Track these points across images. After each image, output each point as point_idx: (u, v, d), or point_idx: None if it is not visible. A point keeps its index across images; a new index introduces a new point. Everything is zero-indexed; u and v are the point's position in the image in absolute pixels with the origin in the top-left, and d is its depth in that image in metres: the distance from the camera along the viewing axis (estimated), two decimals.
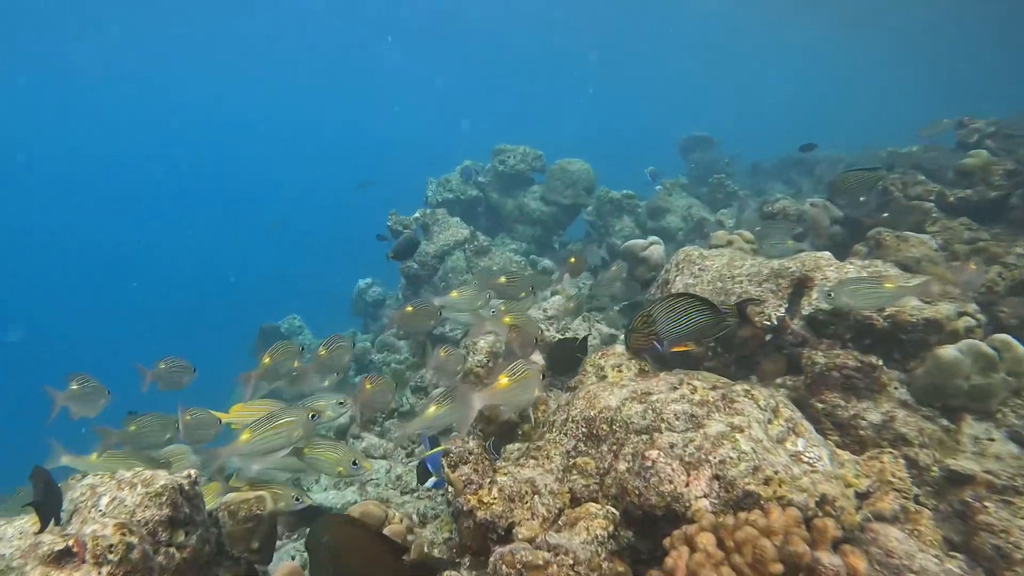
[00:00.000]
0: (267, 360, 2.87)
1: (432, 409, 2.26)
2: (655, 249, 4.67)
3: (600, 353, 2.59)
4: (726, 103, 34.71)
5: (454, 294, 3.45)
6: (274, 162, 38.02)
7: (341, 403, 2.80)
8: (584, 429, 2.05)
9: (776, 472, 1.64)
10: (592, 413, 2.05)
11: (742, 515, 1.50)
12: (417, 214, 6.01)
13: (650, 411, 1.94)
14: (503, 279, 3.59)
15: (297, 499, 2.43)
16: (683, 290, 3.49)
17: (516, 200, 8.26)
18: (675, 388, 2.03)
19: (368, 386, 2.91)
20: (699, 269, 3.53)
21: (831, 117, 27.91)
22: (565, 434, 2.09)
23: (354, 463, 2.44)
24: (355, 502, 3.69)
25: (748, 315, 3.11)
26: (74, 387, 2.67)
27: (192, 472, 2.07)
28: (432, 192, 8.33)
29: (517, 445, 2.57)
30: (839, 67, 33.46)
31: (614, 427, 1.97)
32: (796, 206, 4.96)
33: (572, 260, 4.90)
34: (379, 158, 34.33)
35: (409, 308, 3.49)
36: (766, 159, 12.44)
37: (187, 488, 2.01)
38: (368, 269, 8.95)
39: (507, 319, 3.25)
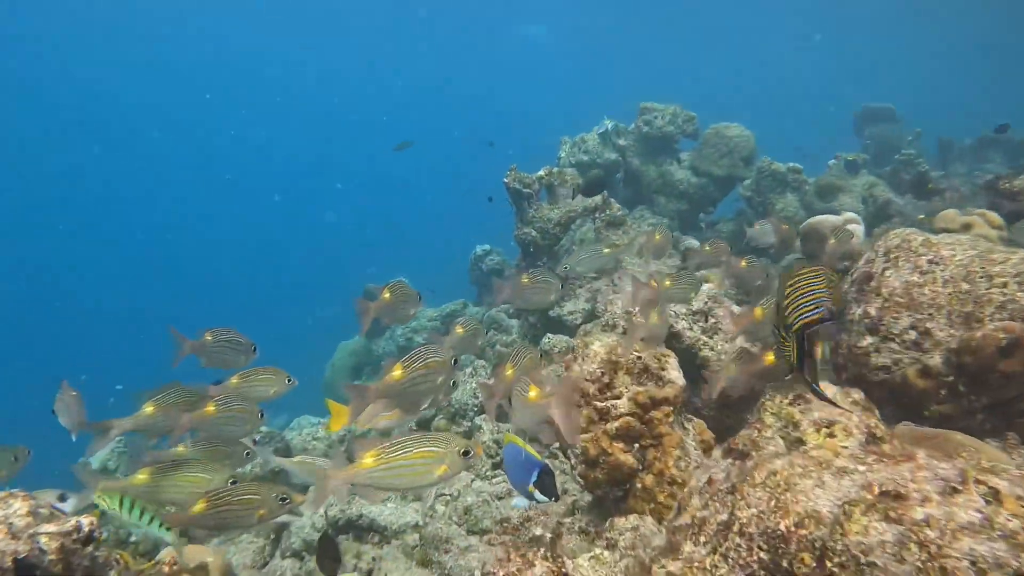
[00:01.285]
0: (387, 296, 2.72)
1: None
2: (853, 229, 3.51)
3: (792, 396, 1.62)
4: (906, 72, 29.94)
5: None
6: (402, 121, 38.01)
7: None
8: (764, 554, 1.12)
9: None
10: (783, 525, 1.11)
11: None
12: (542, 172, 5.17)
13: (913, 543, 0.98)
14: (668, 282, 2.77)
15: None
16: (902, 291, 2.40)
17: (660, 168, 7.18)
18: (954, 490, 1.06)
19: (459, 330, 2.70)
20: (928, 262, 2.41)
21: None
22: (724, 556, 1.18)
23: (281, 498, 1.88)
24: (416, 523, 3.03)
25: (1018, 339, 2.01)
26: (208, 337, 2.45)
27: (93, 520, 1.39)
28: (565, 153, 7.45)
29: (630, 522, 1.69)
30: None
31: (830, 564, 1.04)
32: None
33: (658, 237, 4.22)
34: (509, 120, 33.34)
35: (525, 278, 3.11)
36: (955, 137, 10.37)
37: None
38: (489, 236, 8.30)
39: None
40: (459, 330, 2.75)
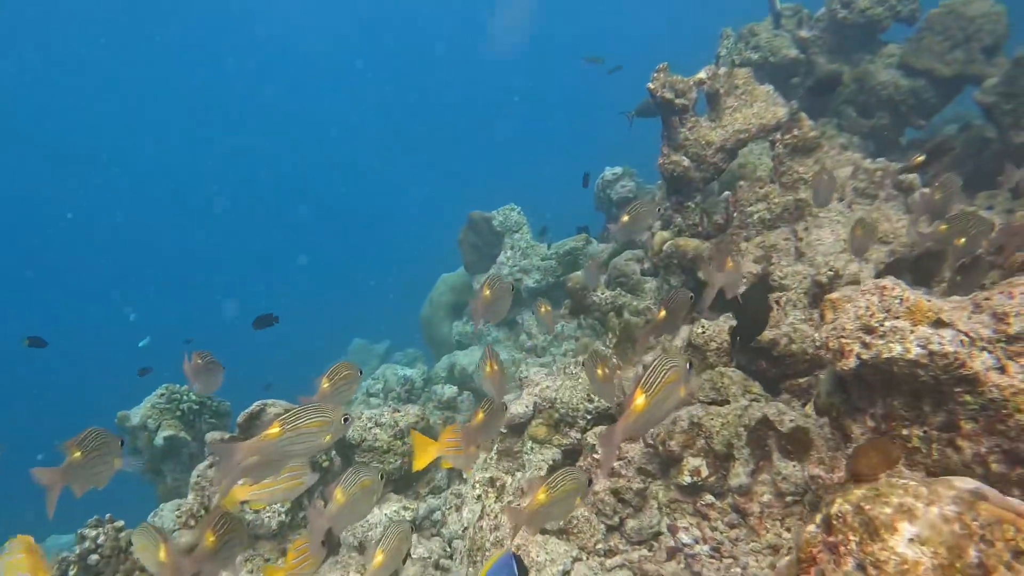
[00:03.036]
0: (487, 293, 2.35)
1: None
2: None
3: None
4: None
5: None
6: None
7: None
8: None
9: None
10: None
11: None
12: (703, 74, 3.71)
13: None
14: None
15: None
16: None
17: (856, 67, 5.37)
18: None
19: (487, 292, 2.33)
20: None
21: None
22: None
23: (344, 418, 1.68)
24: None
25: None
26: (198, 361, 2.55)
27: None
28: (727, 50, 5.77)
29: None
30: None
31: None
32: None
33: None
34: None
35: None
36: None
37: None
38: (618, 156, 6.86)
39: None
40: (486, 292, 2.32)
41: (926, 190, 3.86)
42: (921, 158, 3.84)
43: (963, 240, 2.45)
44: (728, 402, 2.58)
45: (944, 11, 4.96)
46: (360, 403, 6.10)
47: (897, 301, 1.71)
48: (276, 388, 9.07)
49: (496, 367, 2.19)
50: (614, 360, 3.28)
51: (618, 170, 6.37)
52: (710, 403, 2.61)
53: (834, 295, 1.87)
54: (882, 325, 1.70)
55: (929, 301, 1.70)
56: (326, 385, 2.07)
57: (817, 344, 1.83)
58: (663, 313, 2.33)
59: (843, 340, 1.76)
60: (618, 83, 7.63)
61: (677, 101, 3.59)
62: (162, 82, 31.75)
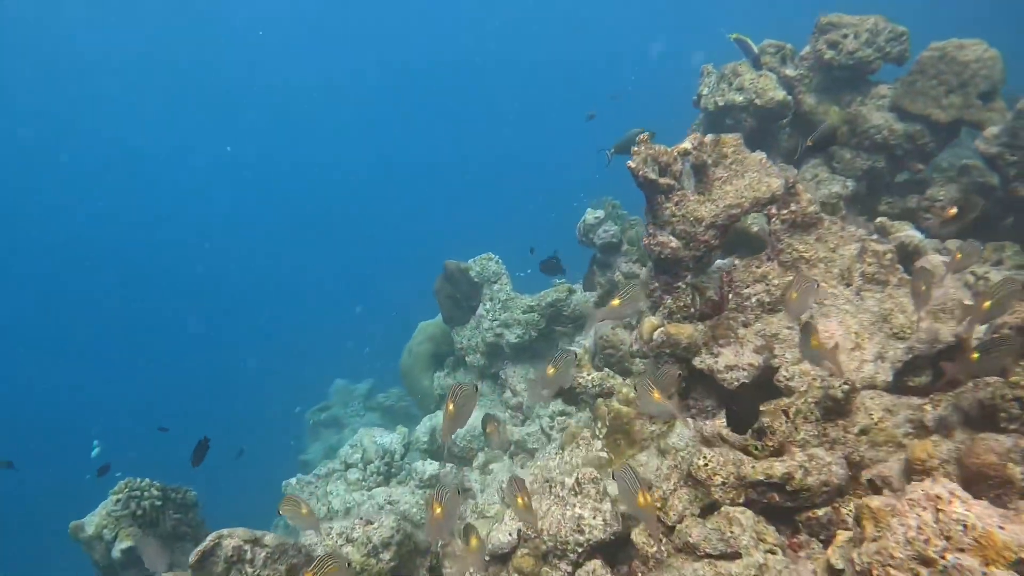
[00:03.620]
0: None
1: None
2: None
3: None
4: None
5: None
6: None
7: None
8: None
9: None
10: None
11: None
12: (688, 143, 3.40)
13: None
14: None
15: None
16: None
17: (845, 109, 5.11)
18: None
19: (451, 407, 2.22)
20: None
21: None
22: None
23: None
24: None
25: None
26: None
27: None
28: (709, 90, 5.50)
29: None
30: None
31: None
32: None
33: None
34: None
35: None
36: None
37: None
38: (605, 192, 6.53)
39: None
40: (450, 407, 2.24)
41: (943, 258, 3.63)
42: (954, 211, 3.72)
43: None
44: (740, 555, 2.26)
45: (936, 55, 4.71)
46: (338, 477, 5.75)
47: (960, 527, 1.40)
48: (248, 455, 8.65)
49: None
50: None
51: (600, 213, 6.05)
52: (718, 557, 2.29)
53: (874, 502, 1.56)
54: (943, 558, 1.38)
55: (1004, 532, 1.38)
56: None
57: (857, 569, 1.51)
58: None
59: (892, 572, 1.44)
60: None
61: (662, 181, 3.27)
62: None
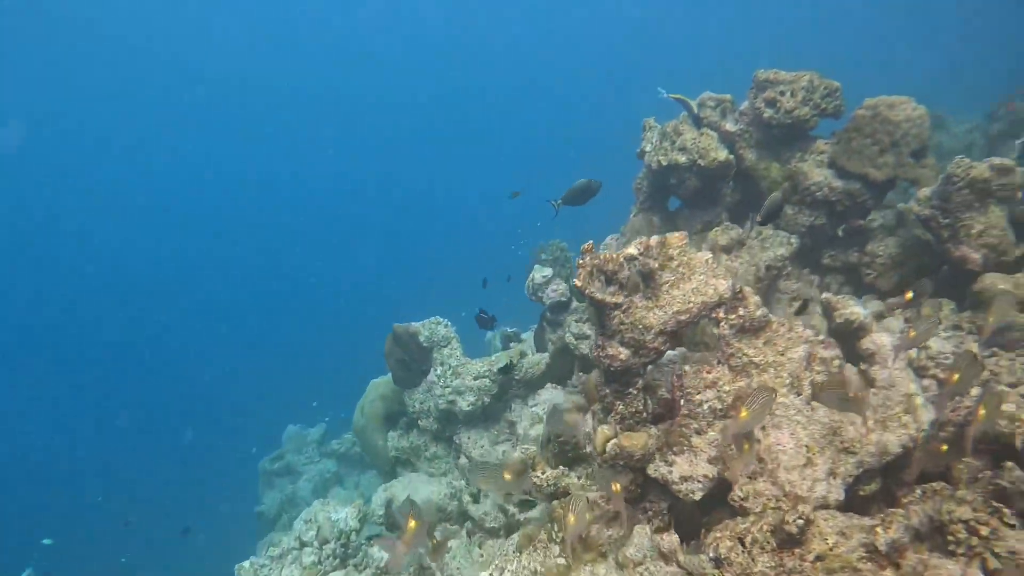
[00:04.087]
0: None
1: None
2: None
3: None
4: None
5: None
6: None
7: None
8: None
9: None
10: None
11: None
12: (633, 249, 3.30)
13: None
14: None
15: None
16: None
17: (786, 166, 5.13)
18: None
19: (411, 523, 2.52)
20: None
21: None
22: None
23: None
24: None
25: None
26: None
27: None
28: (652, 147, 5.45)
29: None
30: None
31: None
32: None
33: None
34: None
35: None
36: None
37: None
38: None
39: None
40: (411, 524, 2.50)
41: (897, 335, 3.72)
42: (910, 295, 3.95)
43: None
44: None
45: (869, 113, 4.75)
46: (292, 561, 5.54)
47: None
48: (206, 511, 8.34)
49: None
50: None
51: (547, 272, 5.95)
52: None
53: None
54: None
55: None
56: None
57: None
58: None
59: None
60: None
61: (610, 300, 3.18)
62: None
